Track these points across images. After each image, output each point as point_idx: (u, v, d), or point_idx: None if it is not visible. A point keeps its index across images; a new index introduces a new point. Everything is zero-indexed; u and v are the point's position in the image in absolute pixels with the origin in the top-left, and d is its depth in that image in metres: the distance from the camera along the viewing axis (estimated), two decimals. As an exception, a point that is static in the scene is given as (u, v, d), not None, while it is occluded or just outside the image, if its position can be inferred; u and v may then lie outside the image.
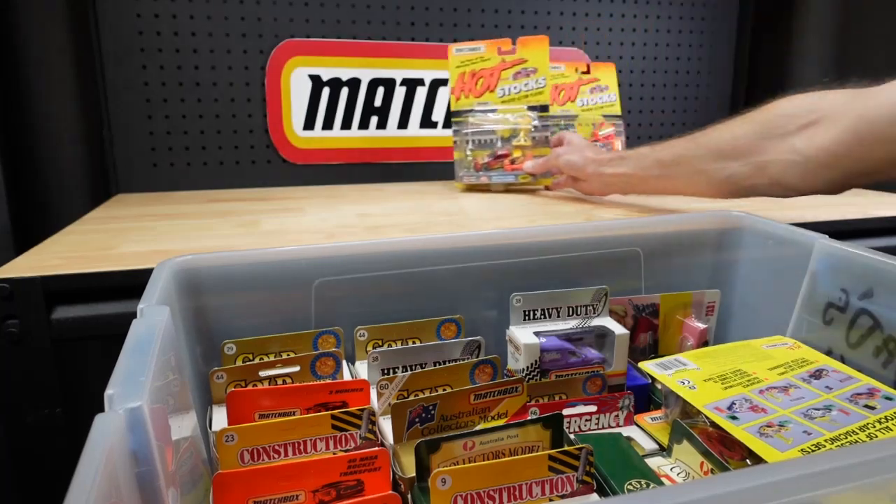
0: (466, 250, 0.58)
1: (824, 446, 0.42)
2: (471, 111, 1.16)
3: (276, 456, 0.41)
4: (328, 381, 0.51)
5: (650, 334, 0.63)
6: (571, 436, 0.45)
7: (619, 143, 1.27)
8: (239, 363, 0.52)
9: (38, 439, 0.59)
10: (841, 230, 0.85)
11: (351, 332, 0.56)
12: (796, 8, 1.34)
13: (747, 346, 0.56)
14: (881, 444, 0.28)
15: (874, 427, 0.44)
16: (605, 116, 1.29)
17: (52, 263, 0.62)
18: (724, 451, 0.45)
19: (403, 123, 1.26)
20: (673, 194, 0.87)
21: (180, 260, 0.51)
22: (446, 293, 0.58)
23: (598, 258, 0.62)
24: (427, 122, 1.27)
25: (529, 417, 0.46)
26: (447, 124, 1.30)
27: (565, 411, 0.49)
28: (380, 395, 0.47)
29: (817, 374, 0.51)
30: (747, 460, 0.44)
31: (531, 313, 0.57)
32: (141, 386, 0.30)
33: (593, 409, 0.51)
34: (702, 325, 0.62)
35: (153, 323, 0.38)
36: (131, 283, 0.58)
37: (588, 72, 1.31)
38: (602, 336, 0.57)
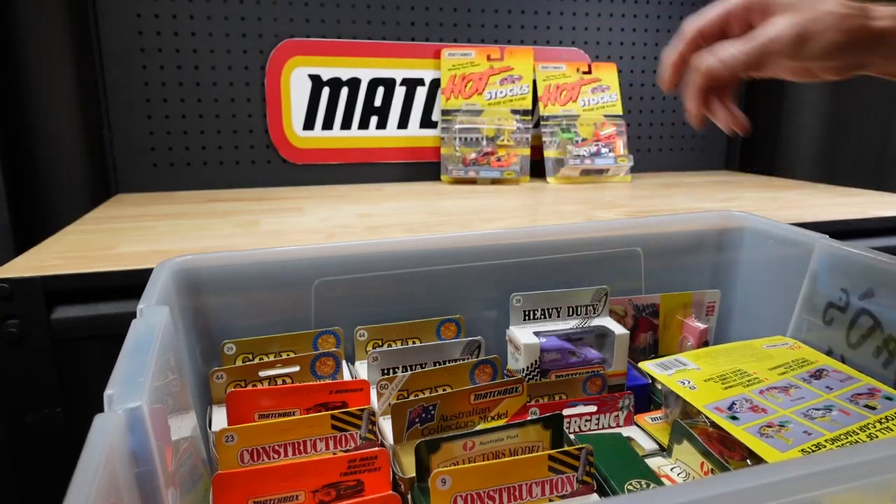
0: (466, 250, 0.58)
1: (825, 446, 0.42)
2: (459, 111, 1.25)
3: (276, 456, 0.41)
4: (328, 381, 0.51)
5: (650, 334, 0.63)
6: (571, 436, 0.45)
7: (620, 144, 1.27)
8: (239, 363, 0.52)
9: (38, 439, 0.59)
10: (841, 230, 0.85)
11: (351, 332, 0.56)
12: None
13: (747, 347, 0.56)
14: (881, 444, 0.28)
15: (874, 427, 0.44)
16: (606, 116, 1.29)
17: (51, 263, 0.62)
18: (725, 451, 0.45)
19: (403, 123, 1.26)
20: None
21: (180, 260, 0.51)
22: (446, 293, 0.58)
23: (598, 258, 0.62)
24: (427, 122, 1.27)
25: (529, 417, 0.46)
26: (447, 124, 1.31)
27: (565, 411, 0.49)
28: (380, 395, 0.47)
29: (818, 375, 0.51)
30: (747, 460, 0.44)
31: (531, 313, 0.57)
32: (140, 386, 0.30)
33: (593, 409, 0.51)
34: (702, 325, 0.61)
35: (153, 323, 0.38)
36: (131, 283, 0.58)
37: (589, 72, 1.31)
38: (602, 336, 0.57)
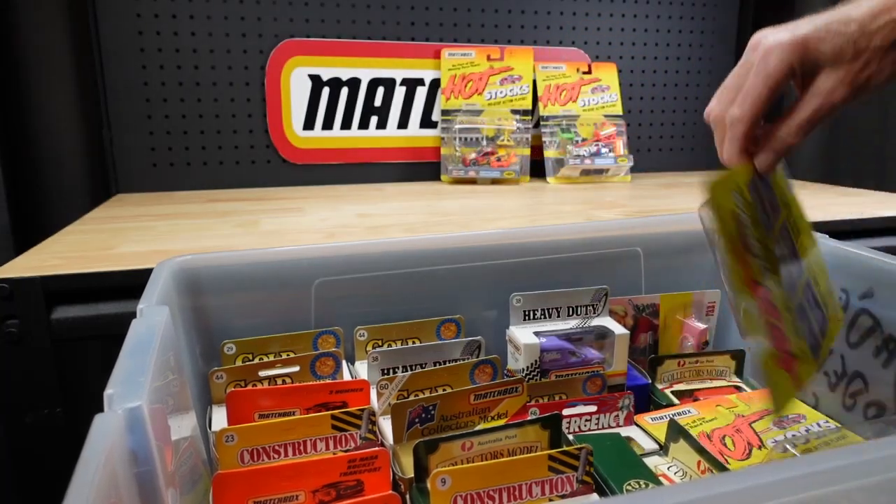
0: (466, 250, 0.58)
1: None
2: (459, 111, 1.25)
3: (276, 456, 0.41)
4: (328, 381, 0.51)
5: (650, 334, 0.63)
6: (571, 436, 0.45)
7: (620, 144, 1.27)
8: (239, 363, 0.52)
9: (38, 439, 0.59)
10: (841, 230, 0.85)
11: (351, 332, 0.56)
12: (797, 7, 1.34)
13: None
14: (881, 444, 0.28)
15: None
16: (606, 116, 1.29)
17: (51, 263, 0.62)
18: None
19: (403, 123, 1.26)
20: None
21: (180, 260, 0.51)
22: (446, 293, 0.58)
23: (598, 258, 0.62)
24: (427, 122, 1.27)
25: (529, 417, 0.46)
26: (447, 124, 1.31)
27: (565, 411, 0.49)
28: (380, 395, 0.47)
29: None
30: (750, 452, 0.44)
31: (531, 313, 0.57)
32: (140, 386, 0.30)
33: (593, 409, 0.51)
34: (702, 325, 0.61)
35: (153, 323, 0.38)
36: (131, 283, 0.58)
37: (589, 72, 1.31)
38: (602, 336, 0.57)
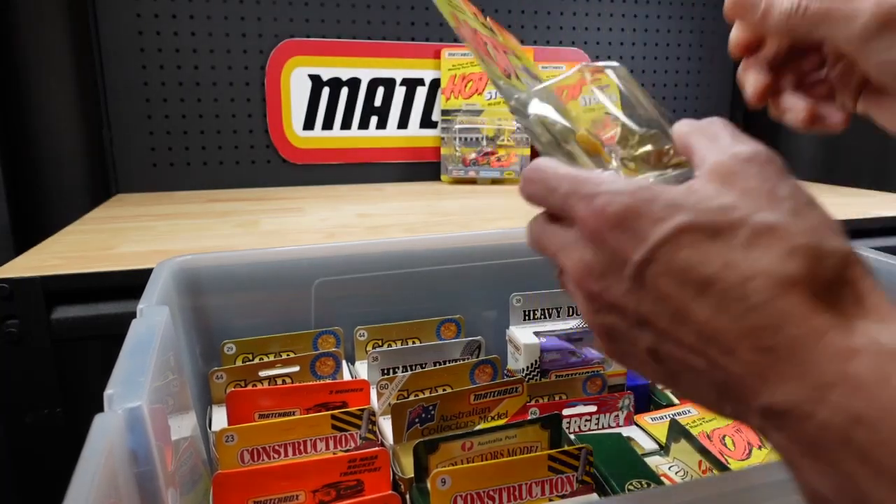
0: (466, 250, 0.58)
1: None
2: (459, 111, 1.25)
3: (276, 456, 0.41)
4: (328, 381, 0.51)
5: (650, 334, 0.63)
6: (571, 436, 0.45)
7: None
8: (239, 363, 0.52)
9: (38, 439, 0.59)
10: (841, 230, 0.84)
11: (351, 332, 0.56)
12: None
13: None
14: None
15: None
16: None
17: (51, 263, 0.62)
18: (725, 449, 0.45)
19: (403, 123, 1.26)
20: None
21: (180, 260, 0.51)
22: (446, 293, 0.58)
23: (598, 258, 0.61)
24: (427, 122, 1.27)
25: (529, 417, 0.46)
26: (447, 124, 1.31)
27: (565, 411, 0.49)
28: (380, 395, 0.47)
29: None
30: (750, 452, 0.44)
31: (531, 313, 0.57)
32: (140, 386, 0.30)
33: (593, 409, 0.51)
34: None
35: (153, 323, 0.38)
36: (131, 283, 0.58)
37: (588, 72, 1.31)
38: (602, 336, 0.57)
